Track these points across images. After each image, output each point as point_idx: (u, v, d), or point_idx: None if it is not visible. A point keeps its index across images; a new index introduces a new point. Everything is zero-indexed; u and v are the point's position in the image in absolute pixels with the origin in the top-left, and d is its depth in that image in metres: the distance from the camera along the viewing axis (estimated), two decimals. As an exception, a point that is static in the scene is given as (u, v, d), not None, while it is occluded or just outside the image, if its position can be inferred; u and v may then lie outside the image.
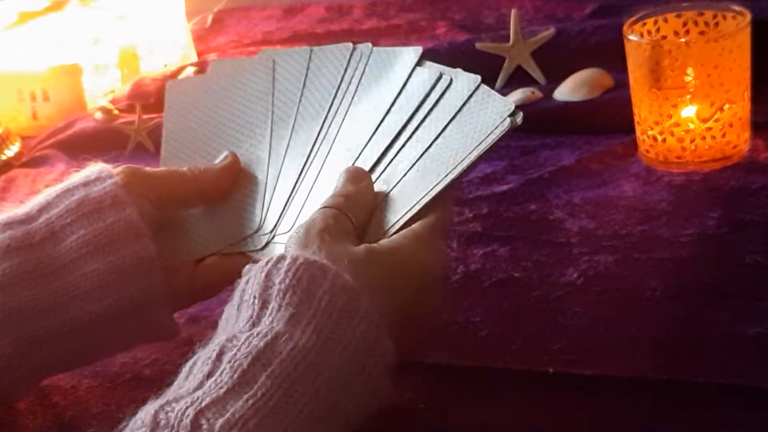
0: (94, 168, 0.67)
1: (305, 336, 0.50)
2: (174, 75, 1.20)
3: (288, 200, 0.69)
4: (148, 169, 0.69)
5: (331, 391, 0.49)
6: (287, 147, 0.71)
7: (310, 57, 0.74)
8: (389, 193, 0.64)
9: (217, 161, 0.72)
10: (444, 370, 0.63)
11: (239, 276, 0.55)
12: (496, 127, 0.62)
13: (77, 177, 0.66)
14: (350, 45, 0.73)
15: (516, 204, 0.83)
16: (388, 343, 0.53)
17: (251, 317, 0.51)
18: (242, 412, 0.45)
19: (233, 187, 0.71)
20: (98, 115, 1.12)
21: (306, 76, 0.73)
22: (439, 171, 0.62)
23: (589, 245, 0.75)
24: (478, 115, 0.64)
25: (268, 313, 0.51)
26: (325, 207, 0.61)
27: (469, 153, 0.62)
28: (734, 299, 0.66)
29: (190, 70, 1.19)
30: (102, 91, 1.23)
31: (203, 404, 0.45)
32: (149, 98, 1.18)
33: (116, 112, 1.13)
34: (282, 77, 0.74)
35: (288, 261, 0.53)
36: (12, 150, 1.12)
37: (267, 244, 0.67)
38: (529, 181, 0.86)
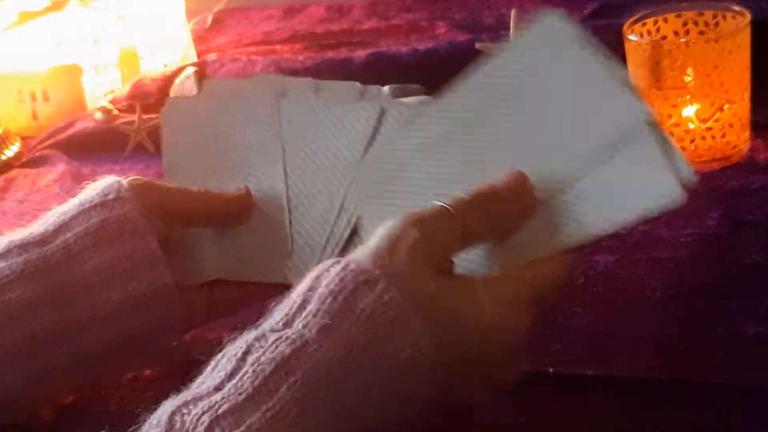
0: (110, 184, 0.64)
1: (334, 349, 0.47)
2: (174, 75, 1.20)
3: (325, 230, 0.67)
4: (159, 183, 0.68)
5: (357, 409, 0.48)
6: (304, 175, 0.70)
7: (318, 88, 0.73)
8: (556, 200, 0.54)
9: (231, 191, 0.69)
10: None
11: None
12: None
13: (93, 193, 0.64)
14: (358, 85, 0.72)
15: (516, 204, 0.83)
16: (437, 377, 0.49)
17: (286, 315, 0.49)
18: (258, 425, 0.44)
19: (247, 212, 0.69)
20: (98, 115, 1.12)
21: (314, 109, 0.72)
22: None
23: (589, 245, 0.75)
24: None
25: (303, 315, 0.49)
26: (440, 204, 0.54)
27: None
28: (734, 299, 0.66)
29: (190, 70, 1.19)
30: (102, 91, 1.23)
31: (219, 412, 0.44)
32: (149, 98, 1.18)
33: (116, 112, 1.13)
34: (288, 106, 0.73)
35: (340, 266, 0.50)
36: (12, 150, 1.12)
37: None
38: (529, 181, 0.86)
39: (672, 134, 0.83)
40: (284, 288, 0.52)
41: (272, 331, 0.49)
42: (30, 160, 1.10)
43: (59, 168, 1.06)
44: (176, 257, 0.65)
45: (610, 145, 0.54)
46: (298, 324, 0.49)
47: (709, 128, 0.82)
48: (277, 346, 0.47)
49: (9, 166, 1.09)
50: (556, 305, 0.68)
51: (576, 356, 0.63)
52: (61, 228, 0.62)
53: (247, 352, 0.47)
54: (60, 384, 0.62)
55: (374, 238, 0.52)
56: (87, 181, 0.66)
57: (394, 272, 0.50)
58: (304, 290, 0.50)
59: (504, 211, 0.56)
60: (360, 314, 0.48)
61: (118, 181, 0.64)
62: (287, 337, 0.48)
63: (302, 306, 0.49)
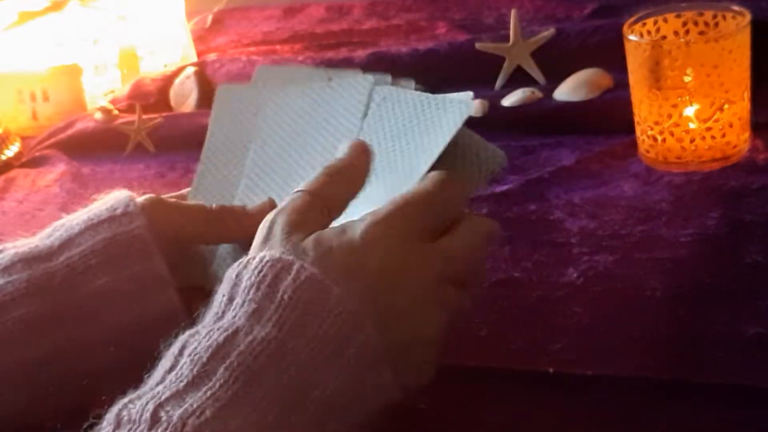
0: (120, 198, 0.63)
1: (265, 329, 0.49)
2: (174, 75, 1.20)
3: None
4: (173, 201, 0.66)
5: (300, 381, 0.49)
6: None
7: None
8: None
9: (252, 206, 0.67)
10: (444, 370, 0.63)
11: None
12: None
13: (102, 207, 0.62)
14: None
15: (516, 204, 0.83)
16: (369, 332, 0.51)
17: (216, 313, 0.51)
18: (200, 402, 0.46)
19: None
20: (98, 115, 1.12)
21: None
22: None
23: (589, 245, 0.75)
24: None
25: (231, 308, 0.51)
26: (297, 191, 0.58)
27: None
28: (734, 299, 0.66)
29: (190, 70, 1.19)
30: (102, 91, 1.23)
31: (163, 398, 0.46)
32: (149, 98, 1.18)
33: (116, 112, 1.13)
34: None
35: (256, 260, 0.53)
36: (12, 150, 1.12)
37: None
38: (529, 181, 0.86)
39: (672, 134, 0.83)
40: None
41: (204, 327, 0.51)
42: (30, 160, 1.10)
43: (59, 168, 1.07)
44: (185, 261, 0.65)
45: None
46: (228, 315, 0.51)
47: (709, 128, 0.82)
48: (210, 336, 0.49)
49: (9, 166, 1.09)
50: (557, 305, 0.69)
51: (576, 356, 0.63)
52: (66, 243, 0.61)
53: (183, 348, 0.49)
54: (62, 404, 0.61)
55: (255, 237, 0.56)
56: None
57: (305, 254, 0.53)
58: (228, 289, 0.52)
59: (354, 176, 0.60)
60: (282, 296, 0.51)
61: (129, 196, 0.63)
62: (219, 328, 0.50)
63: (229, 302, 0.52)
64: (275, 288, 0.51)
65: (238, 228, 0.66)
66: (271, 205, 0.66)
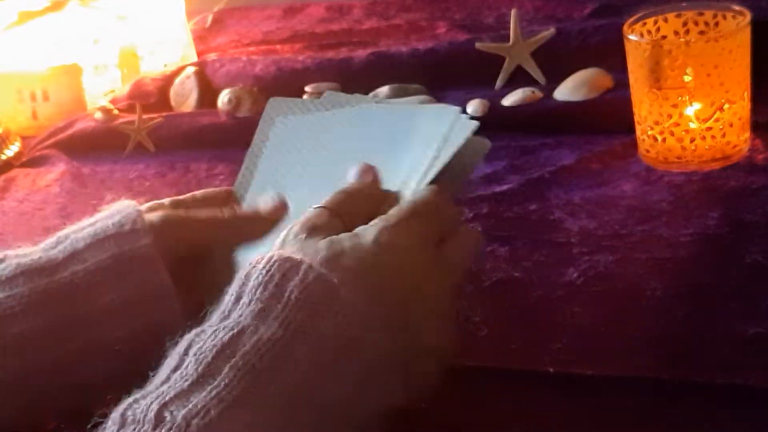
0: (127, 213, 0.62)
1: (271, 329, 0.49)
2: (174, 75, 1.20)
3: None
4: (182, 216, 0.65)
5: (306, 383, 0.49)
6: None
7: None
8: (400, 192, 0.62)
9: (264, 205, 0.68)
10: (444, 370, 0.63)
11: None
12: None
13: (108, 222, 0.62)
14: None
15: (516, 204, 0.83)
16: (377, 336, 0.52)
17: (222, 312, 0.51)
18: (205, 402, 0.46)
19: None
20: (98, 115, 1.12)
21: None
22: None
23: (589, 245, 0.75)
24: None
25: (238, 307, 0.51)
26: (317, 207, 0.60)
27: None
28: (734, 299, 0.66)
29: (190, 70, 1.19)
30: (102, 91, 1.23)
31: (167, 398, 0.46)
32: (149, 98, 1.18)
33: (116, 112, 1.13)
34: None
35: (264, 260, 0.53)
36: (12, 150, 1.12)
37: None
38: (529, 181, 0.86)
39: (672, 134, 0.83)
40: None
41: (210, 325, 0.51)
42: (30, 160, 1.10)
43: (59, 168, 1.07)
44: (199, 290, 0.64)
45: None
46: (234, 315, 0.51)
47: (709, 128, 0.82)
48: (216, 335, 0.49)
49: (9, 166, 1.09)
50: (557, 305, 0.69)
51: (576, 356, 0.63)
52: (71, 258, 0.60)
53: (188, 347, 0.49)
54: (59, 411, 0.61)
55: (273, 249, 0.56)
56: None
57: (313, 254, 0.53)
58: (236, 288, 0.52)
59: (368, 199, 0.61)
60: (289, 296, 0.51)
61: (137, 211, 0.62)
62: (225, 326, 0.50)
63: (236, 301, 0.52)
64: (282, 287, 0.51)
65: (251, 231, 0.66)
66: (283, 205, 0.67)
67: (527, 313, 0.69)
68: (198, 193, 0.70)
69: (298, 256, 0.53)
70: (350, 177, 0.63)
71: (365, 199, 0.62)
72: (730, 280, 0.68)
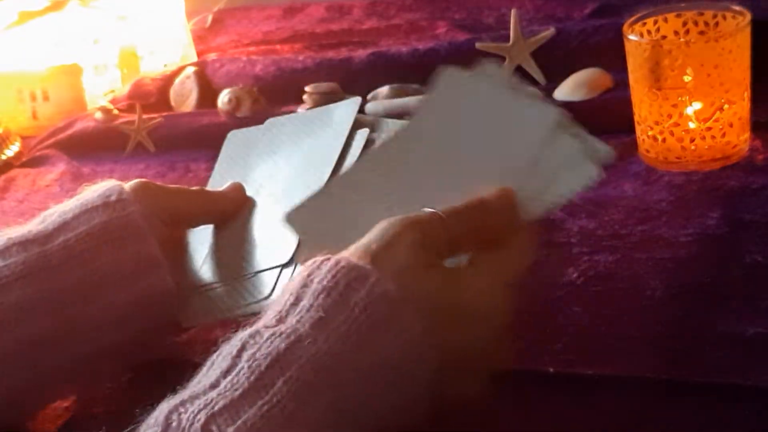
0: (111, 186, 0.64)
1: (329, 342, 0.48)
2: (174, 75, 1.20)
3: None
4: (159, 184, 0.68)
5: (354, 401, 0.48)
6: None
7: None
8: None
9: (225, 187, 0.72)
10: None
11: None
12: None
13: (94, 195, 0.63)
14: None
15: (516, 204, 0.83)
16: (429, 359, 0.50)
17: (279, 312, 0.49)
18: (254, 420, 0.44)
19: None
20: (98, 115, 1.12)
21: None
22: None
23: (589, 245, 0.75)
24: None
25: (297, 310, 0.49)
26: (431, 210, 0.55)
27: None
28: (734, 299, 0.66)
29: (190, 70, 1.19)
30: (102, 91, 1.23)
31: (215, 408, 0.44)
32: (149, 98, 1.18)
33: (116, 112, 1.13)
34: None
35: (331, 263, 0.50)
36: (12, 150, 1.12)
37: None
38: (529, 181, 0.86)
39: (672, 134, 0.83)
40: None
41: (266, 327, 0.49)
42: (30, 160, 1.10)
43: (59, 168, 1.07)
44: (188, 300, 0.66)
45: (535, 147, 0.60)
46: (291, 319, 0.49)
47: (709, 128, 0.82)
48: (272, 342, 0.47)
49: (9, 166, 1.09)
50: (557, 305, 0.69)
51: (576, 356, 0.63)
52: (62, 227, 0.61)
53: (242, 349, 0.47)
54: (59, 386, 0.61)
55: (369, 235, 0.53)
56: (85, 183, 0.66)
57: (386, 267, 0.50)
58: (297, 288, 0.50)
59: (490, 222, 0.56)
60: (353, 308, 0.49)
61: (119, 184, 0.64)
62: (281, 332, 0.48)
63: (295, 303, 0.50)
64: (347, 298, 0.49)
65: (216, 209, 0.70)
66: (240, 187, 0.71)
67: (527, 313, 0.69)
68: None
69: (367, 266, 0.50)
70: (488, 192, 0.57)
71: (482, 217, 0.56)
72: (730, 280, 0.68)
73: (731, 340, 0.62)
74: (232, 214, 0.70)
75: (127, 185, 0.64)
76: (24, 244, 0.60)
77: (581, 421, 0.58)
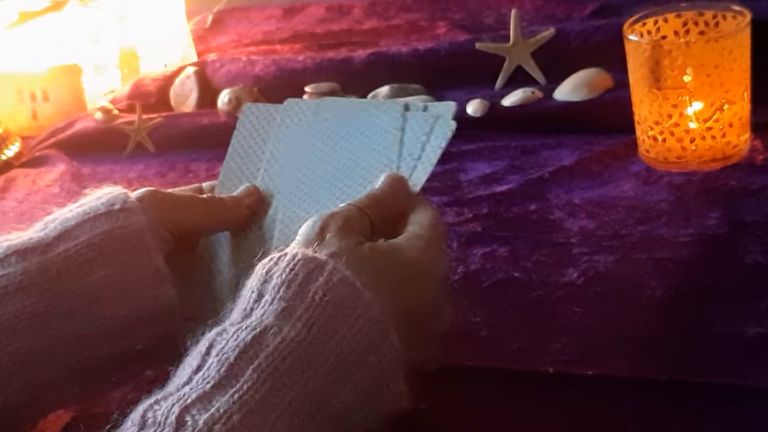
0: (116, 194, 0.62)
1: (294, 330, 0.49)
2: (174, 75, 1.20)
3: None
4: (168, 192, 0.66)
5: (324, 386, 0.49)
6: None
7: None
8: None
9: (238, 192, 0.70)
10: (444, 370, 0.63)
11: None
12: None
13: (98, 202, 0.62)
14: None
15: (516, 204, 0.83)
16: (393, 340, 0.52)
17: (244, 310, 0.51)
18: (227, 406, 0.45)
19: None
20: (98, 115, 1.12)
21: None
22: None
23: (589, 245, 0.75)
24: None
25: (260, 305, 0.51)
26: (350, 205, 0.60)
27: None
28: (734, 299, 0.66)
29: (190, 70, 1.19)
30: (102, 91, 1.23)
31: (189, 401, 0.45)
32: (149, 98, 1.18)
33: (116, 112, 1.13)
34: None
35: (288, 257, 0.53)
36: (12, 150, 1.12)
37: None
38: (529, 181, 0.86)
39: (672, 134, 0.83)
40: None
41: (232, 324, 0.50)
42: (30, 160, 1.10)
43: (59, 168, 1.07)
44: (192, 292, 0.66)
45: (394, 135, 0.67)
46: (256, 314, 0.50)
47: (709, 128, 0.82)
48: (238, 336, 0.49)
49: (9, 166, 1.10)
50: (557, 305, 0.69)
51: (576, 356, 0.63)
52: (63, 235, 0.60)
53: (210, 347, 0.49)
54: (58, 398, 0.60)
55: (300, 235, 0.57)
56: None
57: (336, 253, 0.54)
58: (258, 285, 0.52)
59: (395, 208, 0.62)
60: (314, 296, 0.51)
61: (125, 192, 0.62)
62: (247, 326, 0.49)
63: (258, 298, 0.51)
64: (306, 287, 0.51)
65: (230, 217, 0.68)
66: (253, 191, 0.70)
67: (527, 313, 0.69)
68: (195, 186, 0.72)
69: (321, 256, 0.53)
70: (379, 182, 0.63)
71: (391, 203, 0.62)
72: (730, 280, 0.68)
73: (731, 340, 0.62)
74: (247, 219, 0.69)
75: (134, 194, 0.63)
76: (23, 252, 0.59)
77: (581, 421, 0.58)
